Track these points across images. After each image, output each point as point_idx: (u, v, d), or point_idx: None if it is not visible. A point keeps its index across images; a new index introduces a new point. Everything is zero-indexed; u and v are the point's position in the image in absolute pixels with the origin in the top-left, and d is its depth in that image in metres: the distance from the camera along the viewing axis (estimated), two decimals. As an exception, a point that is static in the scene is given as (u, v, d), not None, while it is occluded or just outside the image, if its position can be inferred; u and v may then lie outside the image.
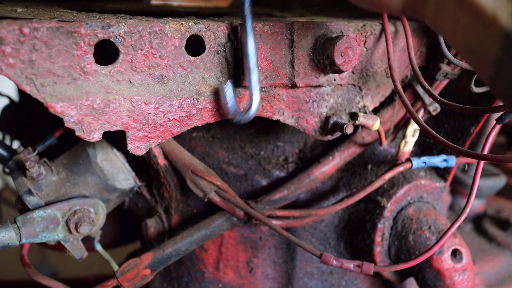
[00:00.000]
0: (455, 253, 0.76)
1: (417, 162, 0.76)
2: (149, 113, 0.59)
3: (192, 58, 0.60)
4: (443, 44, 0.70)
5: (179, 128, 0.62)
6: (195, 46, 0.60)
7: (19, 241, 0.65)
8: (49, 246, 0.91)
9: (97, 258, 0.88)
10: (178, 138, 0.82)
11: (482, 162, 0.67)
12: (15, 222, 0.66)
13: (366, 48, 0.70)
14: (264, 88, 0.65)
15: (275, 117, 0.68)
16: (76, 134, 0.56)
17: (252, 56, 0.58)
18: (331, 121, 0.70)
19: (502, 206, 1.37)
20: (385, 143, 0.79)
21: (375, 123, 0.71)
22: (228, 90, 0.61)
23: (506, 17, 0.36)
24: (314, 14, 0.94)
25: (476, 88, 0.72)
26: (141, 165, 0.84)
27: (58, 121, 0.57)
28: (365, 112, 0.73)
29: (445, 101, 0.61)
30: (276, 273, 0.85)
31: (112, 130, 0.58)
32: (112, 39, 0.54)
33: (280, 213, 0.74)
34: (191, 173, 0.75)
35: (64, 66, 0.53)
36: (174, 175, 0.80)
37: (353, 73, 0.71)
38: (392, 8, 0.49)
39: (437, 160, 0.77)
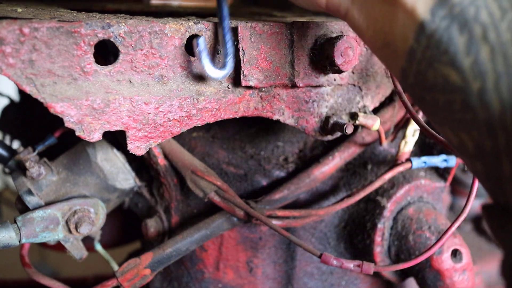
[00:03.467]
0: (455, 253, 0.76)
1: (417, 162, 0.76)
2: (149, 113, 0.59)
3: (192, 58, 0.60)
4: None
5: (179, 128, 0.62)
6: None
7: (19, 241, 0.65)
8: (49, 246, 0.91)
9: (97, 258, 0.88)
10: (178, 138, 0.82)
11: (482, 162, 0.67)
12: (15, 222, 0.66)
13: (366, 48, 0.70)
14: (264, 88, 0.65)
15: (275, 117, 0.68)
16: (76, 134, 0.56)
17: (226, 14, 0.57)
18: (331, 121, 0.70)
19: (502, 206, 1.37)
20: (385, 143, 0.79)
21: (375, 123, 0.71)
22: (201, 43, 0.56)
23: (423, 8, 0.40)
24: (314, 14, 0.94)
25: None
26: (141, 165, 0.84)
27: (58, 121, 0.57)
28: (365, 112, 0.73)
29: (445, 101, 0.61)
30: (276, 273, 0.85)
31: (112, 130, 0.58)
32: (112, 39, 0.54)
33: (280, 213, 0.74)
34: (191, 173, 0.75)
35: (64, 66, 0.53)
36: (174, 175, 0.80)
37: (353, 73, 0.71)
38: (319, 4, 0.53)
39: (437, 160, 0.77)
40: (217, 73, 0.58)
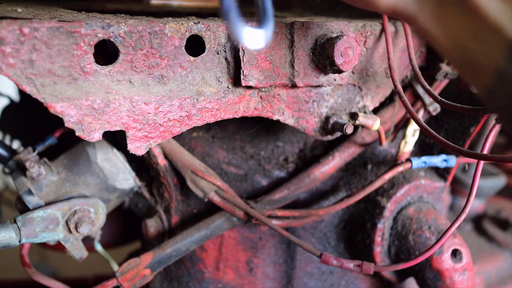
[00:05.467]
0: (455, 253, 0.76)
1: (417, 162, 0.76)
2: (149, 113, 0.59)
3: (192, 58, 0.60)
4: None
5: (179, 128, 0.62)
6: (195, 46, 0.60)
7: (19, 241, 0.65)
8: (49, 246, 0.91)
9: (97, 258, 0.88)
10: (178, 138, 0.82)
11: (482, 162, 0.67)
12: (15, 222, 0.66)
13: (366, 48, 0.70)
14: (264, 88, 0.65)
15: (275, 117, 0.68)
16: (76, 134, 0.56)
17: None
18: (331, 121, 0.70)
19: (502, 206, 1.37)
20: (385, 143, 0.79)
21: (375, 123, 0.71)
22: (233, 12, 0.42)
23: (511, 27, 0.36)
24: (314, 14, 0.94)
25: (476, 88, 0.72)
26: (141, 165, 0.84)
27: (58, 121, 0.57)
28: (365, 112, 0.73)
29: (445, 101, 0.61)
30: (276, 273, 0.85)
31: (112, 130, 0.58)
32: (112, 39, 0.54)
33: (280, 213, 0.74)
34: (191, 173, 0.75)
35: (64, 66, 0.53)
36: (174, 175, 0.80)
37: (353, 73, 0.71)
38: (381, 7, 0.47)
39: (437, 160, 0.77)
40: (257, 34, 0.43)
